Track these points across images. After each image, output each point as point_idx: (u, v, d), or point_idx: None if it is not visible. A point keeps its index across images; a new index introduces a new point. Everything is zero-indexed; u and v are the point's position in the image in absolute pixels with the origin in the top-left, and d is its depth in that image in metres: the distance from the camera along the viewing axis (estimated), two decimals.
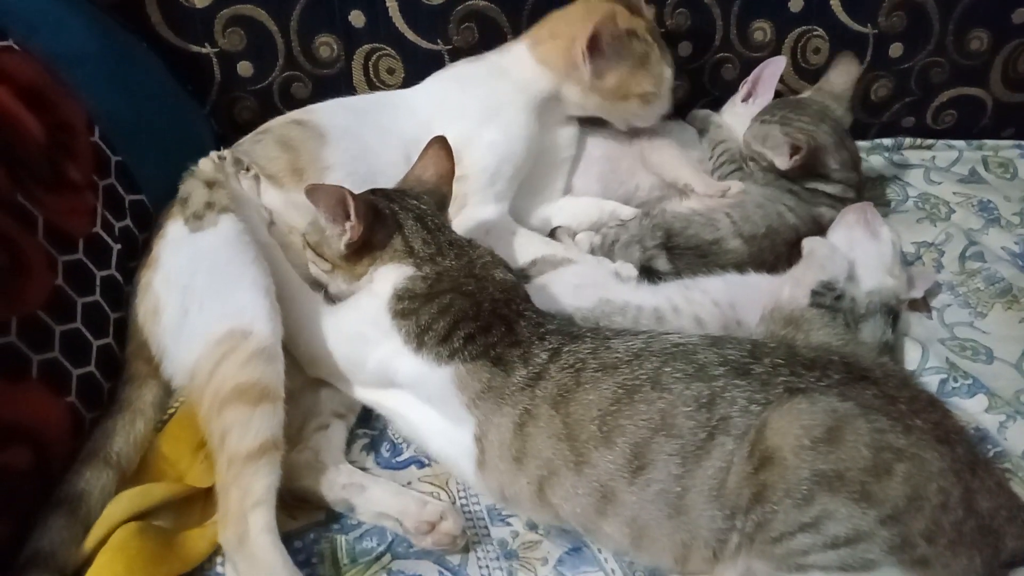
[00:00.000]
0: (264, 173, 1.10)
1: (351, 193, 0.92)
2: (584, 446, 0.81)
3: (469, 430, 0.87)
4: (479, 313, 0.90)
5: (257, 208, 1.07)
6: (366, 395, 0.98)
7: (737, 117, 1.40)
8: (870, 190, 1.42)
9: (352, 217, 0.92)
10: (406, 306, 0.90)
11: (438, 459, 0.95)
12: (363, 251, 0.96)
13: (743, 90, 1.42)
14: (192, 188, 1.03)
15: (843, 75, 1.35)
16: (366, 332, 0.93)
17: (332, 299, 1.01)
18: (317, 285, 1.02)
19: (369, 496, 0.92)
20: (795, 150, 1.23)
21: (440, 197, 1.03)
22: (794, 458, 0.75)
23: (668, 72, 1.28)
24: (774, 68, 1.39)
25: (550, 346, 0.88)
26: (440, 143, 1.05)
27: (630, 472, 0.79)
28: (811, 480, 0.74)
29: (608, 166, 1.34)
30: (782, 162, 1.25)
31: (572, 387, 0.84)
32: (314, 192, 0.94)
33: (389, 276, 0.93)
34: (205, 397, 0.88)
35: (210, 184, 1.02)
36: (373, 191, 1.01)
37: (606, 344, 0.87)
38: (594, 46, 1.20)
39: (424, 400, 0.91)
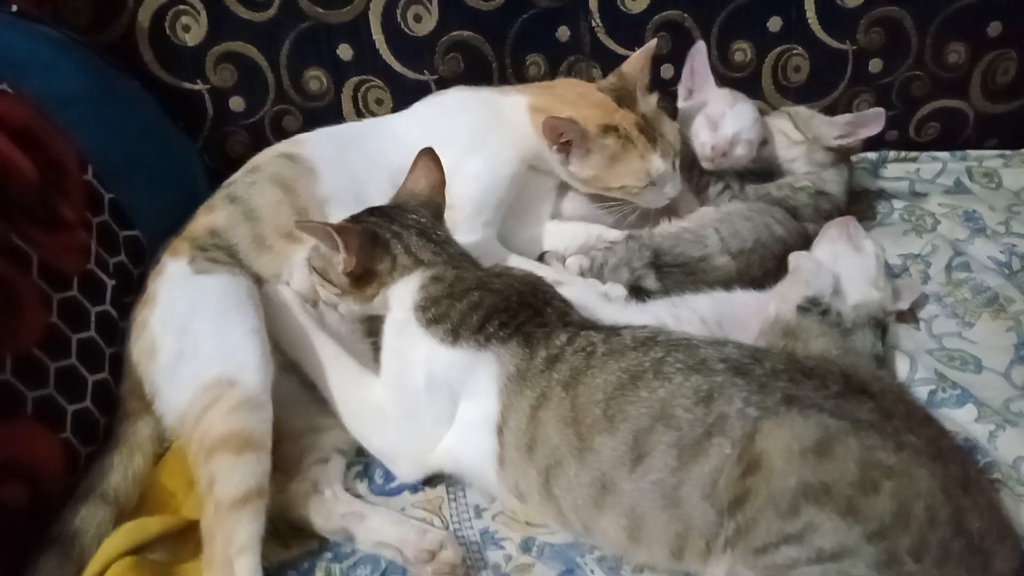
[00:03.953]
0: (274, 224, 1.09)
1: (338, 228, 0.93)
2: (589, 430, 0.84)
3: (493, 424, 0.89)
4: (508, 305, 0.93)
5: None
6: (434, 461, 0.96)
7: (686, 120, 1.35)
8: (855, 204, 1.43)
9: (342, 250, 0.93)
10: (434, 312, 0.92)
11: (471, 476, 0.96)
12: (369, 276, 0.97)
13: (682, 91, 1.38)
14: (208, 235, 1.06)
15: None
16: (406, 358, 0.94)
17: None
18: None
19: (369, 525, 0.92)
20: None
21: (435, 207, 1.04)
22: (782, 464, 0.75)
23: (656, 165, 1.20)
24: (700, 55, 1.34)
25: (570, 330, 0.91)
26: (429, 155, 1.06)
27: (630, 460, 0.81)
28: (797, 490, 0.74)
29: None
30: (831, 132, 1.32)
31: (582, 369, 0.87)
32: (304, 228, 0.96)
33: (404, 293, 0.95)
34: (193, 443, 0.90)
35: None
36: (371, 212, 1.02)
37: (616, 332, 0.91)
38: (554, 142, 1.18)
39: (468, 396, 0.92)
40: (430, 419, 0.95)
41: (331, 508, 0.93)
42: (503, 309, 0.92)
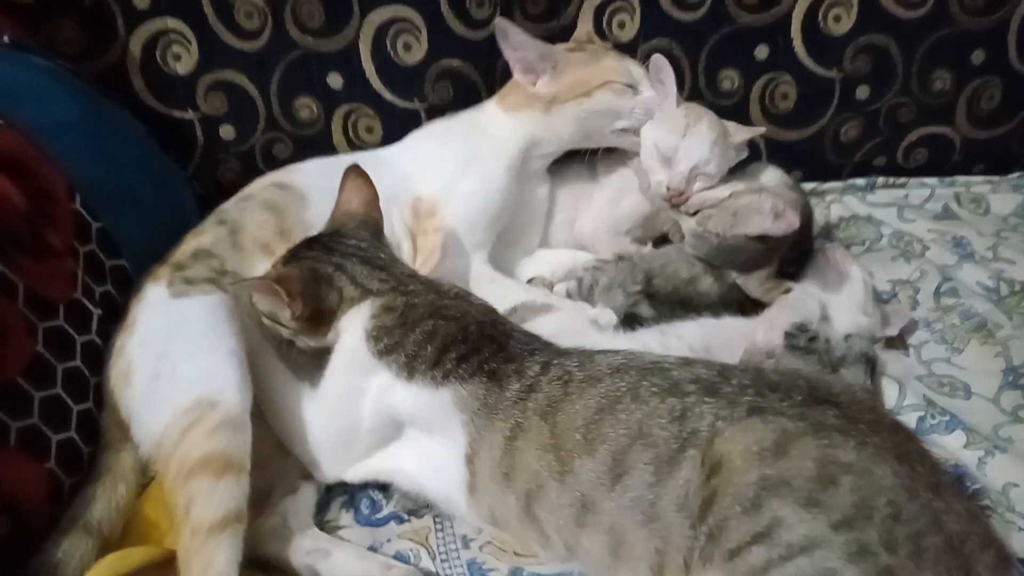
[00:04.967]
0: (254, 236, 1.11)
1: (276, 278, 0.92)
2: (569, 455, 0.84)
3: (461, 454, 0.89)
4: (467, 335, 0.91)
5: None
6: (361, 471, 0.97)
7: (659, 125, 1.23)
8: (845, 230, 1.45)
9: (285, 298, 0.91)
10: (386, 343, 0.91)
11: (435, 500, 0.95)
12: (319, 316, 0.94)
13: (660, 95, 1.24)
14: (191, 256, 1.06)
15: None
16: (353, 385, 0.93)
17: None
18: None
19: (333, 562, 0.91)
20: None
21: (374, 225, 1.03)
22: (742, 462, 0.77)
23: (629, 62, 1.27)
24: (663, 69, 1.23)
25: (541, 359, 0.90)
26: (355, 172, 1.04)
27: (610, 480, 0.82)
28: (758, 484, 0.75)
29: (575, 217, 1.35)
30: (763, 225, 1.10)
31: (560, 397, 0.86)
32: (242, 288, 0.96)
33: (354, 322, 0.93)
34: (171, 466, 0.88)
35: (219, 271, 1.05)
36: (309, 244, 1.00)
37: (591, 358, 0.91)
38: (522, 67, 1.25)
39: (426, 430, 0.92)
40: (363, 445, 0.95)
41: (298, 544, 0.92)
42: (461, 340, 0.90)
